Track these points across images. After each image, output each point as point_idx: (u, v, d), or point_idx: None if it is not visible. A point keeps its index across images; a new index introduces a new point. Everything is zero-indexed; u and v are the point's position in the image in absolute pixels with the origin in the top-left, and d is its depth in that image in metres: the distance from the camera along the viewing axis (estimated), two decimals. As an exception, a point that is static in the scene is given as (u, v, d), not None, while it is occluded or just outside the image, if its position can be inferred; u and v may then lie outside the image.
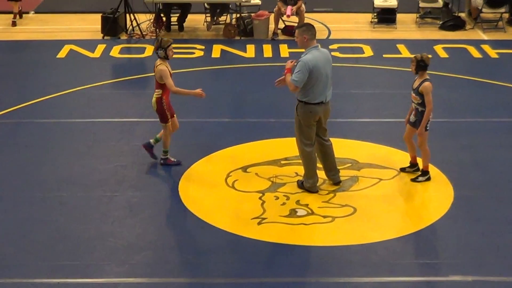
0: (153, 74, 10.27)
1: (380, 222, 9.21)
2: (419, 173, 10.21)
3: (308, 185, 9.86)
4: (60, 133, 11.75)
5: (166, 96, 10.26)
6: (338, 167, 10.11)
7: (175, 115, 10.50)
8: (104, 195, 9.80)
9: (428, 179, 10.14)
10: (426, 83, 9.80)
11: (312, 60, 9.36)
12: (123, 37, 16.75)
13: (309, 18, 17.06)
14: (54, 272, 8.17)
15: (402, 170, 10.38)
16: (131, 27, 16.83)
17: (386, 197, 9.79)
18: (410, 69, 10.00)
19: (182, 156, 10.65)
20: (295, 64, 9.48)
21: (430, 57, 10.01)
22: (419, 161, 10.24)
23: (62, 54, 15.61)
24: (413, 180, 10.15)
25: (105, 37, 16.58)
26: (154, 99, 10.30)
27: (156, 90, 10.27)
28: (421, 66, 9.84)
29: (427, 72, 9.92)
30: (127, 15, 16.76)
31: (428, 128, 9.96)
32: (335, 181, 10.04)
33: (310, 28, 9.58)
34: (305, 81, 9.34)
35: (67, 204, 9.59)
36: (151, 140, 10.59)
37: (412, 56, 10.04)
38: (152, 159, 10.59)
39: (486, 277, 8.13)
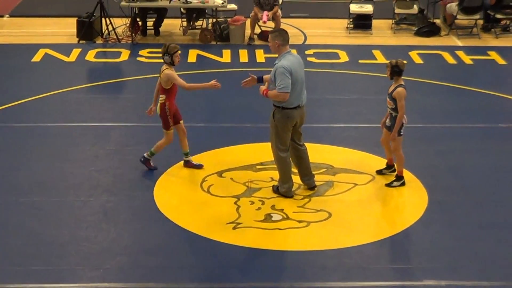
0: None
1: (355, 227, 9.23)
2: (394, 177, 10.25)
3: (283, 190, 9.87)
4: (35, 137, 11.67)
5: (170, 102, 10.18)
6: (313, 172, 10.14)
7: (181, 121, 10.42)
8: (78, 200, 9.75)
9: (403, 184, 10.18)
10: (400, 89, 9.85)
11: (289, 64, 9.38)
12: (99, 41, 16.69)
13: (285, 23, 17.12)
14: (27, 277, 8.11)
15: (379, 172, 10.43)
16: (106, 31, 16.75)
17: (361, 202, 9.82)
18: (386, 75, 10.05)
19: (157, 161, 10.60)
20: (271, 78, 9.47)
21: (405, 63, 10.06)
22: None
23: (37, 58, 15.52)
24: (388, 185, 10.19)
25: (81, 41, 16.51)
26: (158, 105, 10.25)
27: (161, 96, 10.20)
28: (395, 71, 9.88)
29: (402, 77, 9.97)
30: (103, 19, 16.69)
31: (402, 133, 10.00)
32: (310, 186, 10.06)
33: (283, 33, 9.60)
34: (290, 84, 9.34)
35: (41, 209, 9.53)
36: (188, 159, 10.58)
37: (388, 61, 10.10)
38: (132, 164, 10.58)
39: (460, 281, 8.17)
